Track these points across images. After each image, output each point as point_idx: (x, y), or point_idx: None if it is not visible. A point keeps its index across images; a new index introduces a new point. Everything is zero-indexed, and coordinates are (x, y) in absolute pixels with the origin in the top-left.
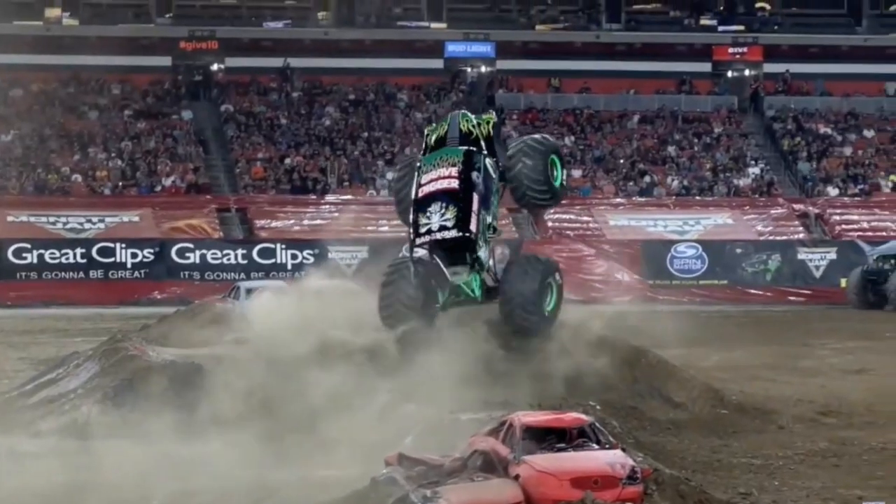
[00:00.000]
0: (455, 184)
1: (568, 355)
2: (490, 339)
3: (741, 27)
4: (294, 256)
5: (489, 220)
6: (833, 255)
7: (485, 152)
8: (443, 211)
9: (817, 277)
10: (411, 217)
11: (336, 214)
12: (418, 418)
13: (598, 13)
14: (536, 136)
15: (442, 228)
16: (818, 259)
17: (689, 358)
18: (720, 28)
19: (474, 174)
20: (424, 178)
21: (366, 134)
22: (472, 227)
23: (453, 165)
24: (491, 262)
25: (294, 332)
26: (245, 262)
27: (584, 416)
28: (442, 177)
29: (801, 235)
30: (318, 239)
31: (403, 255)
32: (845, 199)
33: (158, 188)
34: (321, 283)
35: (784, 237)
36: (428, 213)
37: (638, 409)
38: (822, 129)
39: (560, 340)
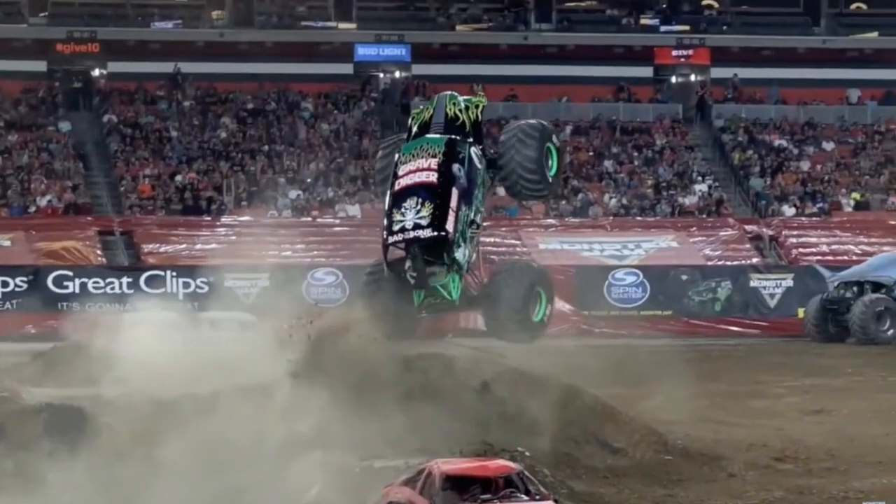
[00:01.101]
0: (433, 177)
1: (493, 395)
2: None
3: (686, 27)
4: (186, 285)
5: (471, 215)
6: (789, 282)
7: (471, 140)
8: (418, 207)
9: (772, 307)
10: (385, 211)
11: (233, 238)
12: (325, 466)
13: (526, 12)
14: (532, 121)
15: (416, 227)
16: (773, 286)
17: (629, 398)
18: (663, 28)
19: (455, 166)
20: (402, 170)
21: (266, 147)
22: (449, 226)
23: (433, 156)
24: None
25: (182, 370)
26: (131, 291)
27: (511, 464)
28: (420, 168)
29: (754, 260)
30: (214, 265)
31: (378, 262)
32: (803, 219)
33: (32, 209)
34: (216, 315)
35: (735, 262)
36: (403, 209)
37: (572, 455)
38: (777, 142)
39: (483, 378)
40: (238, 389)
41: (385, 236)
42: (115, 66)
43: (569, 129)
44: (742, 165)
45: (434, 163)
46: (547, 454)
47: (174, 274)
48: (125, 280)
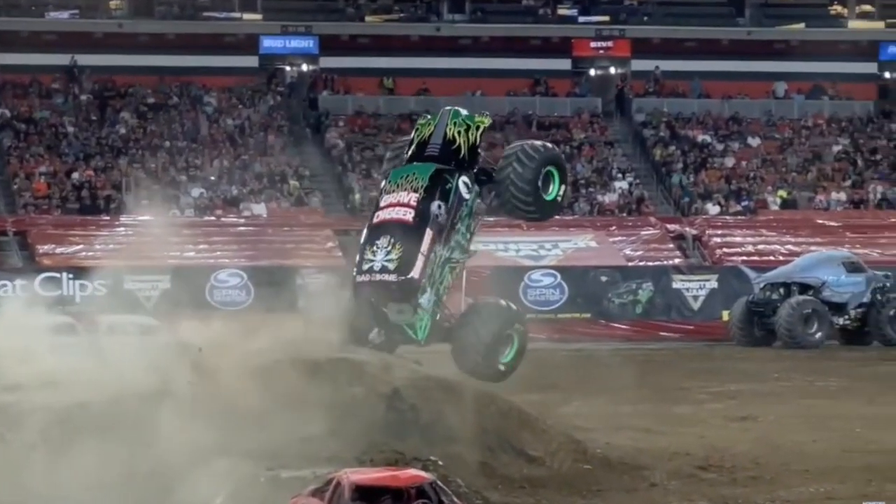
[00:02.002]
0: (409, 216)
1: (404, 402)
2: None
3: (605, 18)
4: (83, 287)
5: (447, 254)
6: (713, 284)
7: (465, 166)
8: (389, 248)
9: (695, 309)
10: (360, 244)
11: (133, 238)
12: (229, 475)
13: (439, 2)
14: (537, 142)
15: (383, 270)
16: (696, 288)
17: (546, 405)
18: (581, 19)
19: (435, 205)
20: (384, 201)
21: (167, 143)
22: (416, 271)
23: (415, 191)
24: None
25: (78, 377)
26: (25, 294)
27: (423, 474)
28: (400, 204)
29: (677, 261)
30: (112, 267)
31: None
32: (727, 218)
33: None
34: (115, 319)
35: (656, 263)
36: (375, 247)
37: (487, 464)
38: (700, 137)
39: (394, 384)
40: (138, 396)
41: (354, 273)
42: (8, 58)
43: None
44: (664, 162)
45: (414, 199)
46: (461, 463)
47: (71, 276)
48: (18, 283)
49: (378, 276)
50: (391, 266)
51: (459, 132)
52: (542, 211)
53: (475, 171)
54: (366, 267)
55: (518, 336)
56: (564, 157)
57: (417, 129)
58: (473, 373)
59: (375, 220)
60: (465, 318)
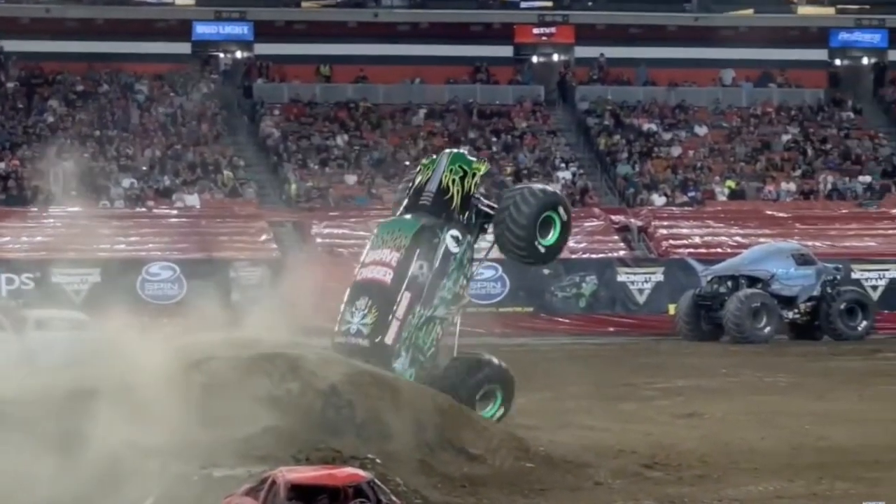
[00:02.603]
0: (389, 277)
1: (341, 398)
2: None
3: (548, 3)
4: (10, 281)
5: (429, 313)
6: (659, 277)
7: (455, 217)
8: (365, 311)
9: (641, 303)
10: (344, 301)
11: (62, 230)
12: (161, 475)
13: None
14: (539, 185)
15: (357, 333)
16: (641, 281)
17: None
18: (523, 5)
19: (416, 265)
20: (369, 257)
21: (97, 133)
22: (389, 337)
23: (398, 250)
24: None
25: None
26: None
27: (361, 472)
28: (382, 263)
29: (622, 253)
30: (40, 260)
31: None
32: (674, 209)
33: None
34: (43, 313)
35: (601, 255)
36: (353, 308)
37: (426, 462)
38: (646, 126)
39: (331, 380)
40: (68, 394)
41: (335, 331)
42: None
43: (422, 112)
44: (608, 151)
45: (395, 259)
46: (399, 461)
47: None
48: None
49: (353, 340)
50: (365, 331)
51: (454, 180)
52: (538, 256)
53: (473, 214)
54: (343, 328)
55: (502, 392)
56: (567, 200)
57: (420, 170)
58: None
59: (358, 277)
60: (445, 371)
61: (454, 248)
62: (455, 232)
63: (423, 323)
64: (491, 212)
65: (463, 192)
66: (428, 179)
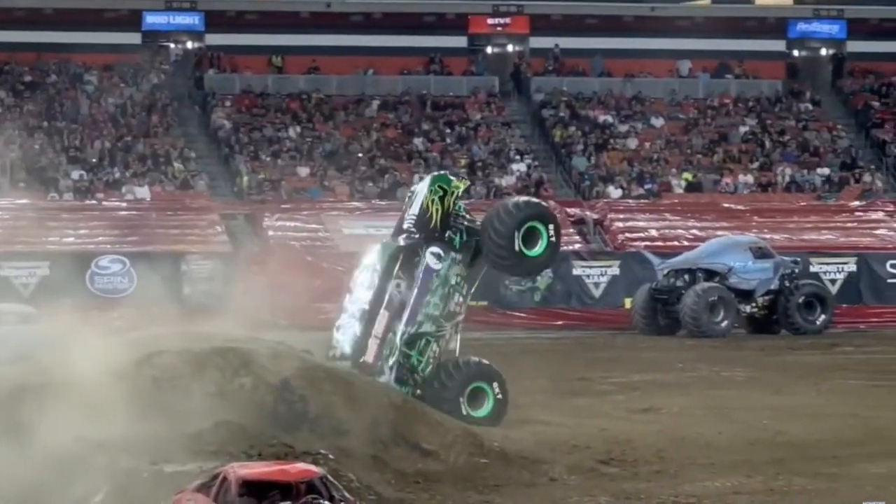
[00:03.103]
0: (368, 298)
1: (294, 393)
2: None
3: None
4: None
5: (413, 329)
6: (615, 270)
7: (437, 236)
8: (349, 331)
9: (596, 297)
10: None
11: (10, 223)
12: (111, 471)
13: None
14: (523, 198)
15: (342, 356)
16: (597, 275)
17: None
18: None
19: (392, 285)
20: (356, 280)
21: (46, 124)
22: (369, 355)
23: (376, 271)
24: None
25: None
26: None
27: (313, 468)
28: (364, 286)
29: (577, 246)
30: None
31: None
32: (630, 201)
33: None
34: None
35: None
36: (341, 329)
37: (380, 458)
38: (602, 117)
39: (283, 375)
40: (16, 388)
41: (326, 357)
42: None
43: (375, 103)
44: (564, 143)
45: (375, 280)
46: (353, 457)
47: None
48: None
49: (339, 362)
50: (348, 351)
51: (433, 200)
52: (523, 267)
53: (459, 232)
54: (331, 353)
55: (490, 387)
56: (554, 212)
57: (408, 196)
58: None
59: (346, 298)
60: (433, 377)
61: (435, 265)
62: (435, 249)
63: (408, 340)
64: (474, 226)
65: (443, 210)
66: (412, 203)
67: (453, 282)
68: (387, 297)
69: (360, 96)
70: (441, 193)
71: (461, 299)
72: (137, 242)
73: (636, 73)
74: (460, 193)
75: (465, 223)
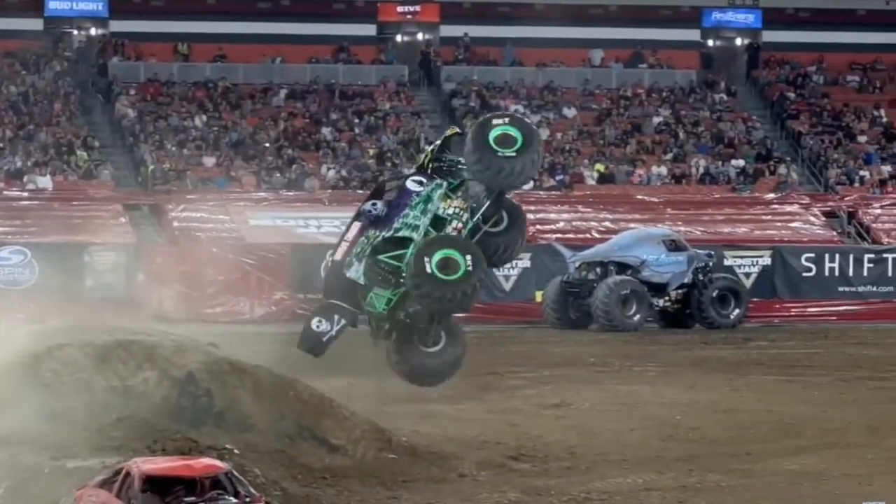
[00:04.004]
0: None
1: (198, 386)
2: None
3: None
4: None
5: (388, 234)
6: (526, 263)
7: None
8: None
9: (507, 290)
10: None
11: None
12: (10, 466)
13: None
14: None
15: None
16: (508, 267)
17: (349, 391)
18: None
19: (368, 204)
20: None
21: None
22: (338, 254)
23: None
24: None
25: None
26: None
27: (218, 463)
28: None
29: None
30: None
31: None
32: (540, 193)
33: None
34: None
35: None
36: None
37: (286, 453)
38: (513, 107)
39: (188, 368)
40: None
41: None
42: None
43: (283, 92)
44: None
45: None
46: (258, 452)
47: None
48: None
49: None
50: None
51: (426, 148)
52: (504, 166)
53: (445, 166)
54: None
55: (462, 256)
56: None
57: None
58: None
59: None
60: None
61: (414, 188)
62: (417, 177)
63: (380, 242)
64: (455, 158)
65: (430, 153)
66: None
67: (441, 205)
68: (361, 212)
69: (268, 85)
70: (430, 149)
71: (459, 225)
72: (39, 233)
73: (548, 62)
74: (449, 136)
75: (448, 158)
